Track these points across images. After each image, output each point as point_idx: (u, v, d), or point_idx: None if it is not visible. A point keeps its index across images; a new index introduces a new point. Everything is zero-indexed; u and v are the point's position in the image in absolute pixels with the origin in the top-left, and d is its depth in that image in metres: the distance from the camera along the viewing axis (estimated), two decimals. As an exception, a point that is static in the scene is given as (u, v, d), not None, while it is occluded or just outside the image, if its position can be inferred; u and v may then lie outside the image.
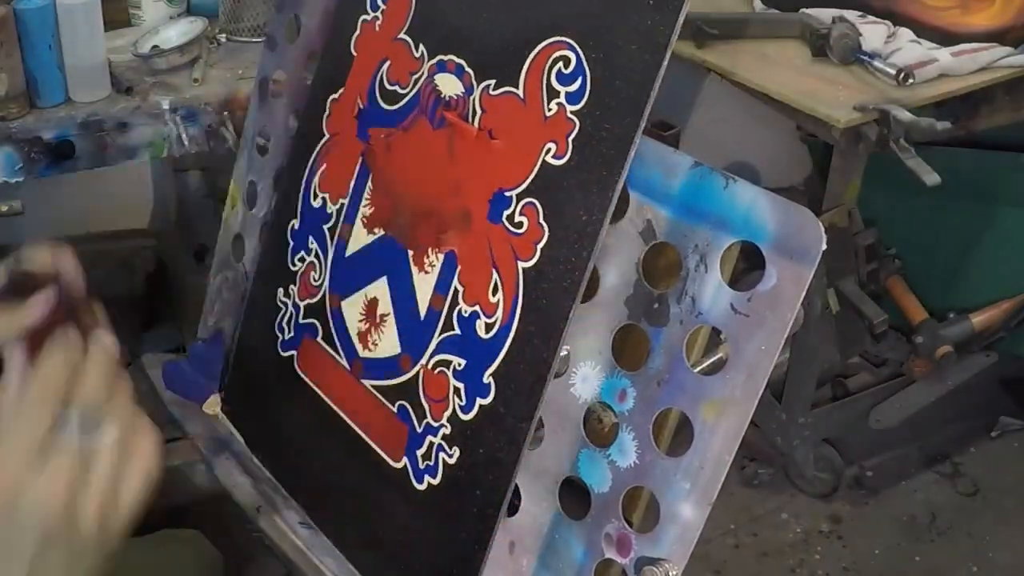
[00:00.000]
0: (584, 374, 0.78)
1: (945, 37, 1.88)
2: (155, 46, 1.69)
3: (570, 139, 0.76)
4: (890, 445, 2.38)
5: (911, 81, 1.76)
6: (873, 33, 1.89)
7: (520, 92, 0.80)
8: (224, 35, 1.78)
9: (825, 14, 1.96)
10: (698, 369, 0.72)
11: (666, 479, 0.72)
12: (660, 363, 0.73)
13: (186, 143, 1.60)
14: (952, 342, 2.17)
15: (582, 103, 0.76)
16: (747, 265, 0.82)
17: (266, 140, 1.09)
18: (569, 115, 0.76)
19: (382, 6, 0.93)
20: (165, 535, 1.20)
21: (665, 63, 0.71)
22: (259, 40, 1.72)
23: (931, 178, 1.69)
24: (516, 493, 0.81)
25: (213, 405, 1.11)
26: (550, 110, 0.78)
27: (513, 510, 0.82)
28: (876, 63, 1.81)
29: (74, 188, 2.08)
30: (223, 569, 1.18)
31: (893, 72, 1.77)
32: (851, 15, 1.94)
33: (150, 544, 1.18)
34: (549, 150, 0.77)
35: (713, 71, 1.92)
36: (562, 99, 0.77)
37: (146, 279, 2.23)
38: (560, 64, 0.77)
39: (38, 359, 0.61)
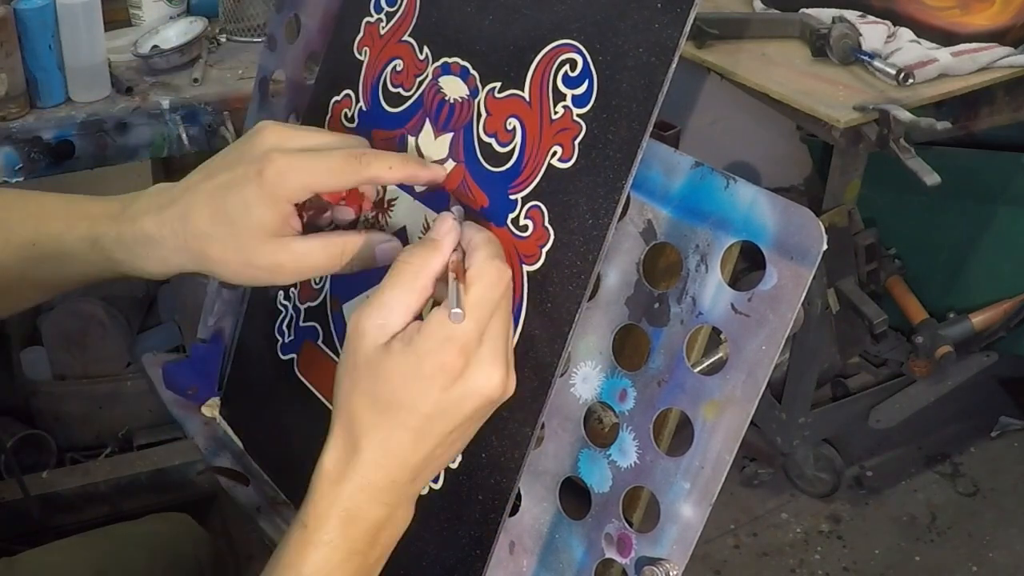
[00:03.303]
0: (584, 374, 0.78)
1: (945, 37, 1.89)
2: (155, 46, 1.69)
3: (576, 142, 0.76)
4: (890, 445, 2.38)
5: (911, 81, 1.76)
6: (873, 33, 1.90)
7: (526, 95, 0.80)
8: (224, 35, 1.78)
9: (825, 14, 1.96)
10: (698, 369, 0.72)
11: (666, 479, 0.72)
12: (660, 363, 0.73)
13: (186, 143, 1.61)
14: (952, 342, 2.18)
15: (589, 106, 0.75)
16: (747, 265, 0.82)
17: (266, 140, 1.09)
18: (575, 118, 0.76)
19: (386, 7, 0.93)
20: (155, 518, 1.21)
21: (673, 66, 0.71)
22: (259, 40, 1.72)
23: (931, 178, 1.69)
24: (516, 493, 0.81)
25: (212, 407, 1.11)
26: (556, 113, 0.77)
27: (513, 510, 0.82)
28: (876, 63, 1.81)
29: (74, 188, 2.08)
30: (211, 546, 1.19)
31: (893, 72, 1.77)
32: (851, 15, 1.94)
33: (142, 526, 1.19)
34: (555, 153, 0.77)
35: (713, 71, 1.92)
36: (568, 102, 0.77)
37: (146, 279, 2.23)
38: (567, 67, 0.77)
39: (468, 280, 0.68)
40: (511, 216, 0.80)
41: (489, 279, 0.68)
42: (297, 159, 0.71)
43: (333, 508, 0.67)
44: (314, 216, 0.78)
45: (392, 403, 0.66)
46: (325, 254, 0.74)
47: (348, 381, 0.67)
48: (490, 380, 0.67)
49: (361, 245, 0.76)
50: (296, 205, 0.73)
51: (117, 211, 0.78)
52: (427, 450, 0.68)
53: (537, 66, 0.79)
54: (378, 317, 0.66)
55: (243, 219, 0.71)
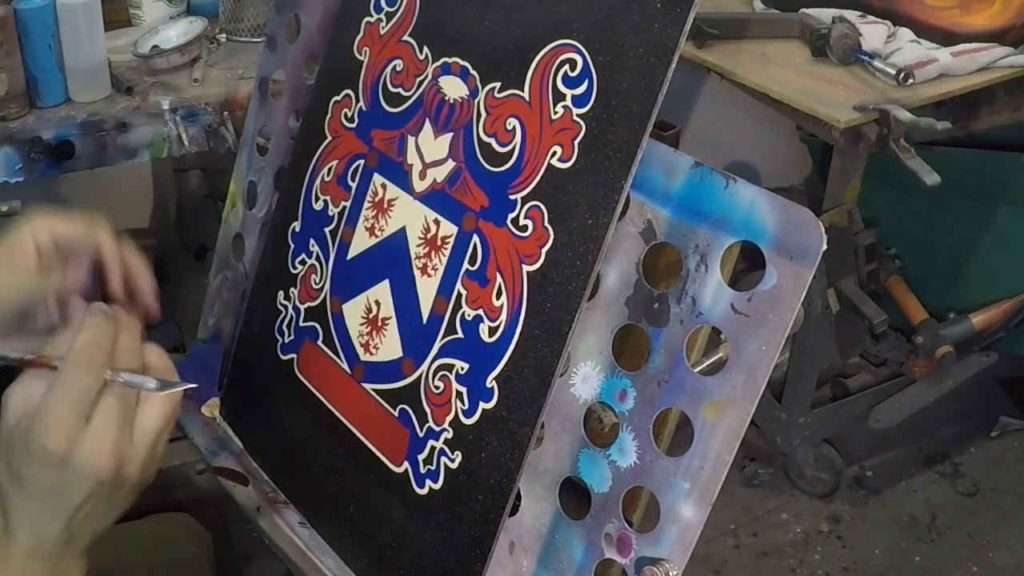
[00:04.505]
0: (584, 374, 0.78)
1: (945, 37, 1.89)
2: (155, 46, 1.69)
3: (576, 142, 0.76)
4: (890, 445, 2.38)
5: (911, 81, 1.76)
6: (873, 33, 1.90)
7: (526, 95, 0.80)
8: (224, 35, 1.78)
9: (825, 14, 1.96)
10: (698, 369, 0.72)
11: (666, 479, 0.72)
12: (660, 363, 0.73)
13: (186, 143, 1.60)
14: (952, 342, 2.18)
15: (588, 106, 0.75)
16: (747, 265, 0.82)
17: (266, 140, 1.09)
18: (575, 118, 0.76)
19: (386, 7, 0.93)
20: (156, 518, 1.21)
21: (673, 66, 0.71)
22: (259, 40, 1.72)
23: (931, 178, 1.69)
24: (516, 493, 0.81)
25: (212, 407, 1.11)
26: (556, 113, 0.77)
27: (513, 510, 0.82)
28: (876, 63, 1.81)
29: (74, 188, 2.08)
30: (212, 546, 1.19)
31: (893, 72, 1.77)
32: (851, 15, 1.94)
33: (142, 526, 1.19)
34: (555, 153, 0.77)
35: (713, 71, 1.92)
36: (568, 102, 0.77)
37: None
38: (567, 67, 0.77)
39: (82, 326, 0.71)
40: (511, 216, 0.80)
41: (66, 377, 0.70)
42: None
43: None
44: None
45: (22, 478, 0.69)
46: None
47: None
48: (94, 460, 0.69)
49: None
50: None
51: None
52: (63, 522, 0.70)
53: (537, 66, 0.79)
54: (19, 396, 0.70)
55: None
